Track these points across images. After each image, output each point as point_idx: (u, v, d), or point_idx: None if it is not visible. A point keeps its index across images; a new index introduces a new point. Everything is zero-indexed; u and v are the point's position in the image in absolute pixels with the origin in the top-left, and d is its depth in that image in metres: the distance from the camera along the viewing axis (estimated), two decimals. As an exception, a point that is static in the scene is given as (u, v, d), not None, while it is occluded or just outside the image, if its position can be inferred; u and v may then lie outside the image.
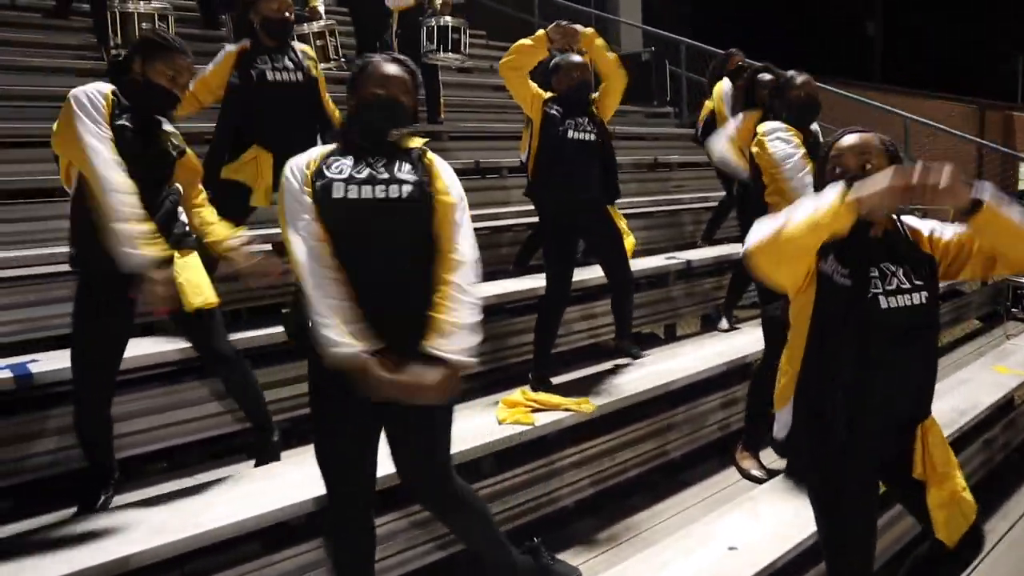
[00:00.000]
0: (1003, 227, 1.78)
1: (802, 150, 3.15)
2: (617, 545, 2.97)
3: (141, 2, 4.19)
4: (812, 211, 1.77)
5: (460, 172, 5.32)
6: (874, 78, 21.77)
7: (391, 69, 2.08)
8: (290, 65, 3.36)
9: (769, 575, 2.56)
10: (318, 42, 4.95)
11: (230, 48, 3.38)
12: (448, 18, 5.69)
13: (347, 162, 2.00)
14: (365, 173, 1.98)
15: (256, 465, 2.74)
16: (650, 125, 8.02)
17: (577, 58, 3.54)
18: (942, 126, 7.61)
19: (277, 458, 2.75)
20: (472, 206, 5.01)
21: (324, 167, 1.99)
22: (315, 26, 4.92)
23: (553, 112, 3.39)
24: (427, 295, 1.96)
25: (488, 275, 4.34)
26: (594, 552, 2.91)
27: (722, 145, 4.10)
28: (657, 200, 5.94)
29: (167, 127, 2.57)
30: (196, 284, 2.46)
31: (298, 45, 3.50)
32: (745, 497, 3.12)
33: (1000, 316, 6.13)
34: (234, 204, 3.18)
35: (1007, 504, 3.69)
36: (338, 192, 1.95)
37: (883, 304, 1.89)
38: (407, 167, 2.02)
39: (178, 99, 2.53)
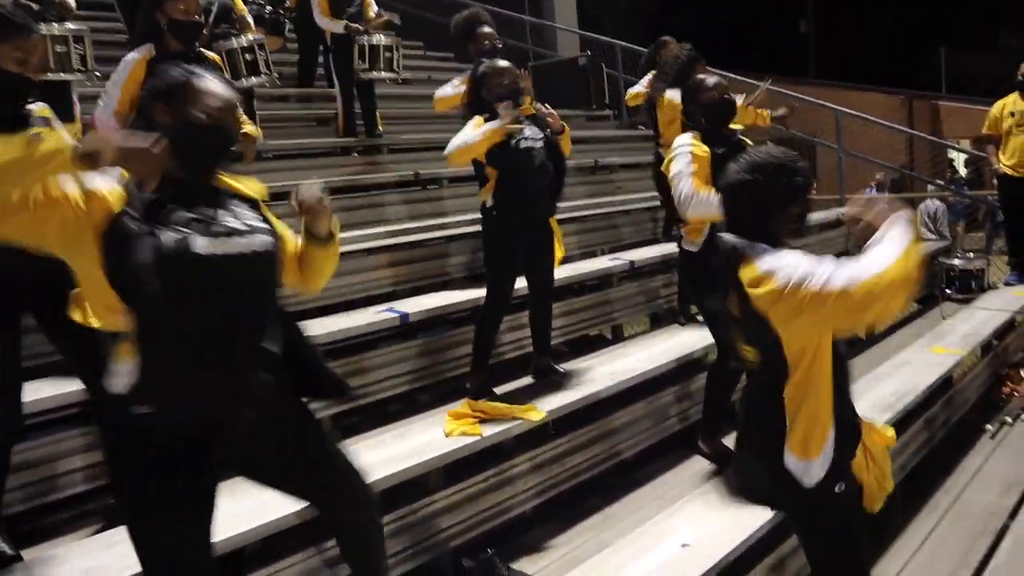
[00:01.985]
0: None
1: (692, 169, 3.11)
2: (572, 550, 2.95)
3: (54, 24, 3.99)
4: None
5: (400, 184, 5.36)
6: (809, 73, 22.37)
7: (221, 88, 1.79)
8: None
9: (722, 569, 2.57)
10: (247, 56, 4.83)
11: (135, 56, 3.21)
12: (381, 36, 5.64)
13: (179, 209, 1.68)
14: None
15: None
16: (590, 128, 8.07)
17: (503, 62, 3.52)
18: (873, 118, 7.82)
19: None
20: (413, 217, 5.05)
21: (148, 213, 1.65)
22: (243, 40, 4.81)
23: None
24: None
25: (433, 287, 4.33)
26: (549, 559, 2.89)
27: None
28: (599, 203, 5.97)
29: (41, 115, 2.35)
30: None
31: (208, 54, 3.40)
32: (697, 493, 3.13)
33: (936, 298, 6.30)
34: None
35: (949, 480, 3.78)
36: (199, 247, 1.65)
37: None
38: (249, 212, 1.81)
39: (34, 84, 2.28)
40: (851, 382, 2.14)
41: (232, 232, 1.73)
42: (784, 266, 1.93)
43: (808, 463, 2.11)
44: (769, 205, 2.06)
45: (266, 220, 1.87)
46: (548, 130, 3.51)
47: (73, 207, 1.60)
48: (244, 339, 1.77)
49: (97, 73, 4.23)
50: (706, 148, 3.15)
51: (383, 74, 5.60)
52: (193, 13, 3.24)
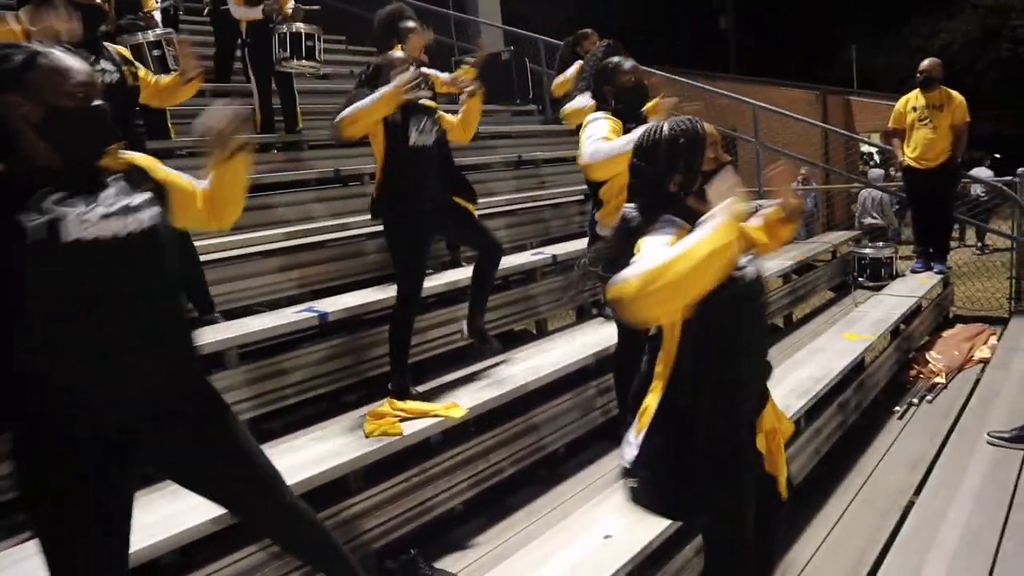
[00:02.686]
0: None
1: (605, 134, 3.11)
2: (497, 546, 2.93)
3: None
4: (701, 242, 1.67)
5: (320, 181, 5.23)
6: (730, 69, 22.96)
7: (76, 62, 1.62)
8: (108, 67, 3.10)
9: (643, 559, 2.61)
10: (155, 52, 4.63)
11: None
12: (300, 25, 5.50)
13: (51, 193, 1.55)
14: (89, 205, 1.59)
15: None
16: (515, 123, 8.08)
17: (399, 53, 3.48)
18: (789, 112, 8.07)
19: None
20: (334, 215, 4.94)
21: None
22: (150, 35, 4.61)
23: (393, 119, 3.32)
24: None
25: (351, 285, 4.25)
26: (475, 555, 2.87)
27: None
28: (524, 197, 5.97)
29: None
30: None
31: (112, 46, 3.24)
32: (620, 484, 3.16)
33: (849, 286, 6.56)
34: None
35: (861, 460, 3.93)
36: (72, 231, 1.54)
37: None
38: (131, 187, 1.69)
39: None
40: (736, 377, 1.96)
41: (109, 215, 1.61)
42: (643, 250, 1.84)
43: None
44: (659, 174, 1.98)
45: (153, 190, 1.75)
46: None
47: None
48: (136, 327, 1.66)
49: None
50: (619, 122, 3.17)
51: (304, 63, 5.47)
52: None
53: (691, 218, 1.89)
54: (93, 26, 3.13)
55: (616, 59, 3.37)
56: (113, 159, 1.73)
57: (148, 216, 1.68)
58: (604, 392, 3.86)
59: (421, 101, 3.41)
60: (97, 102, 1.64)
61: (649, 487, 2.00)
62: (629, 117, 3.23)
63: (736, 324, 1.94)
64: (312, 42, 5.55)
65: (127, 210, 1.64)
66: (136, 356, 1.66)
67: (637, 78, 3.29)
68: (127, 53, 3.28)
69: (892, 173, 8.93)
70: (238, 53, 6.58)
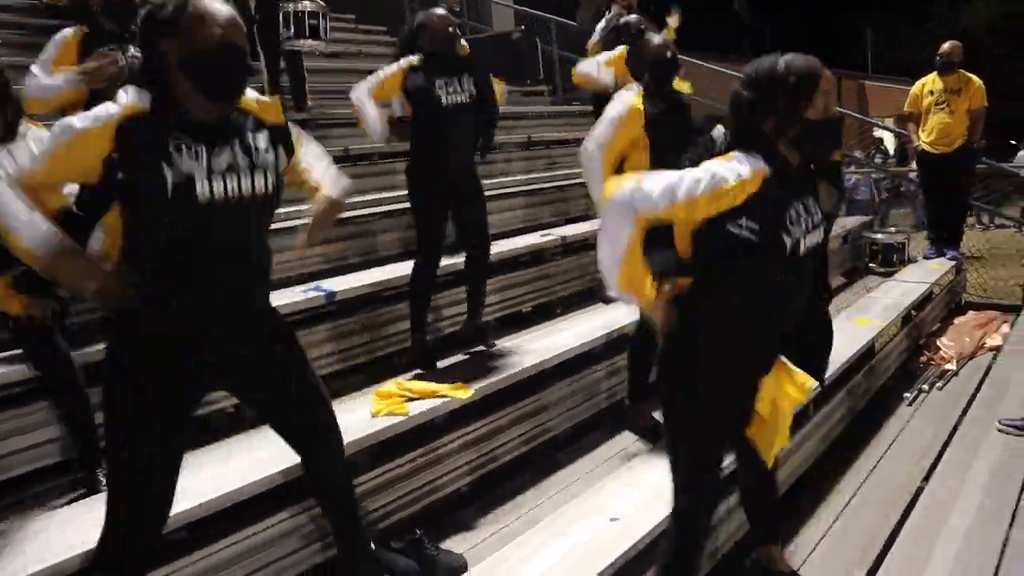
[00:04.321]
0: None
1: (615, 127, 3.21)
2: (503, 527, 2.93)
3: None
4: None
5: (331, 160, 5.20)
6: (744, 53, 22.73)
7: (225, 9, 1.75)
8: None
9: (650, 542, 2.60)
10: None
11: (66, 33, 3.07)
12: (307, 3, 5.45)
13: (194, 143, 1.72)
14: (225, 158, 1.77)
15: None
16: (525, 104, 8.01)
17: (439, 10, 3.50)
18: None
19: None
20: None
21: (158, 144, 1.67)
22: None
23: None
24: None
25: (364, 264, 4.23)
26: (480, 537, 2.87)
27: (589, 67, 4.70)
28: (534, 178, 5.93)
29: None
30: None
31: None
32: (626, 467, 3.16)
33: (860, 272, 6.51)
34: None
35: (870, 446, 3.90)
36: (202, 189, 1.71)
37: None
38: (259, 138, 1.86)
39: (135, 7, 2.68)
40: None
41: (232, 167, 1.77)
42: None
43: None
44: (757, 112, 1.95)
45: (276, 144, 1.90)
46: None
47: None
48: (237, 264, 1.87)
49: None
50: (641, 107, 3.21)
51: (308, 42, 5.43)
52: None
53: (776, 162, 1.90)
54: (127, 21, 3.15)
55: (650, 34, 3.38)
56: (248, 104, 1.88)
57: (263, 176, 1.84)
58: (612, 375, 3.84)
59: (452, 57, 3.45)
60: (237, 42, 1.75)
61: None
62: (658, 91, 3.26)
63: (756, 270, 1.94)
64: (317, 20, 5.49)
65: (250, 166, 1.81)
66: (237, 293, 1.90)
67: (668, 51, 3.30)
68: None
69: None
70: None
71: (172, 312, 1.80)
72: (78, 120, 1.68)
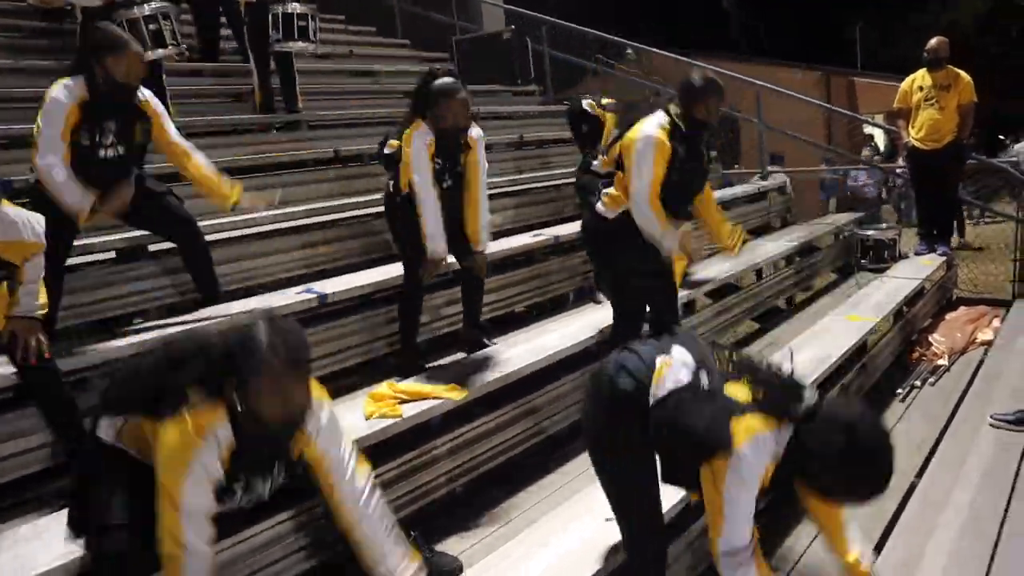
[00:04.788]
0: None
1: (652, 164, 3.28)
2: (498, 529, 2.93)
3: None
4: None
5: (320, 161, 5.20)
6: (734, 49, 22.77)
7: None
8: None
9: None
10: (151, 26, 4.57)
11: (62, 100, 3.02)
12: (296, 4, 5.44)
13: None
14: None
15: None
16: (515, 104, 8.01)
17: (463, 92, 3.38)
18: (793, 92, 7.98)
19: None
20: (335, 195, 4.91)
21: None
22: (146, 8, 4.53)
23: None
24: None
25: (359, 265, 4.22)
26: (475, 539, 2.86)
27: None
28: (525, 178, 5.93)
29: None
30: None
31: (146, 99, 3.26)
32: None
33: (852, 268, 6.53)
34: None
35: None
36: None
37: None
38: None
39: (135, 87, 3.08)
40: None
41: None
42: None
43: None
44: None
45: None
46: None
47: None
48: None
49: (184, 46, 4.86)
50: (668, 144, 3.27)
51: (297, 44, 5.42)
52: (134, 77, 3.11)
53: None
54: (131, 96, 3.21)
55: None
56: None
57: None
58: (606, 374, 3.83)
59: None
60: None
61: None
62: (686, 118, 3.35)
63: None
64: (306, 22, 5.49)
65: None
66: None
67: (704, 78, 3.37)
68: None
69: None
70: (224, 32, 6.50)
71: None
72: None
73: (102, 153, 3.11)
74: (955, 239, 7.60)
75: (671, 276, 3.55)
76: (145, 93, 3.28)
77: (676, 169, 3.30)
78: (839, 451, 1.85)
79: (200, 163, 3.42)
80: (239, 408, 1.87)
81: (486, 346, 3.74)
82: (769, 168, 7.39)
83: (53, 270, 2.96)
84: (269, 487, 2.11)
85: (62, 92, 2.99)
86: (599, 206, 3.52)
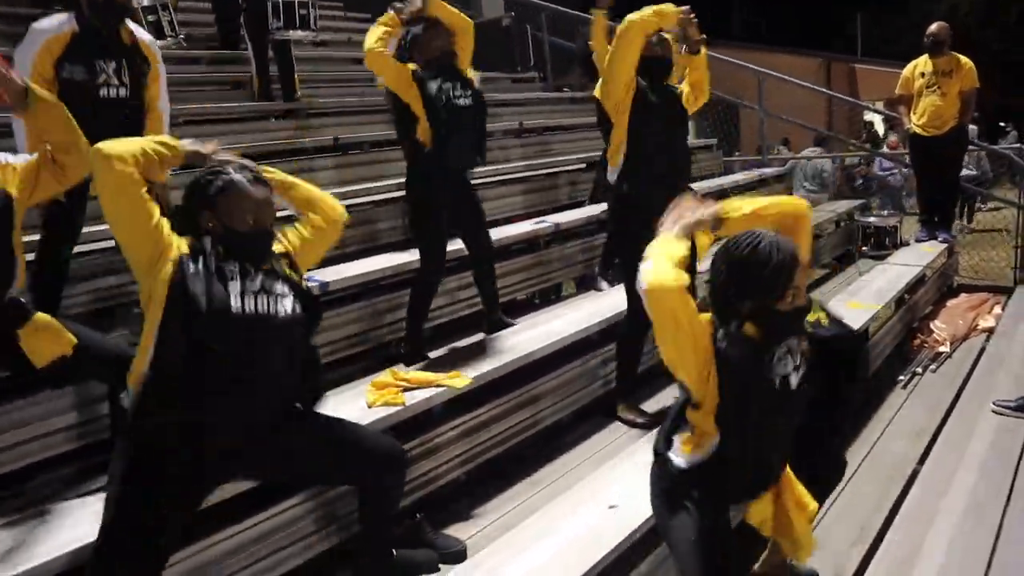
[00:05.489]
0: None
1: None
2: (502, 516, 2.93)
3: None
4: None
5: (320, 149, 5.18)
6: (732, 35, 22.66)
7: (260, 192, 2.07)
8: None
9: (649, 529, 2.59)
10: (149, 17, 4.56)
11: (50, 30, 2.84)
12: None
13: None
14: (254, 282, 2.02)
15: None
16: (516, 91, 7.97)
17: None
18: (794, 79, 7.95)
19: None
20: (336, 183, 4.89)
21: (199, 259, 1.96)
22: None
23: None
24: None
25: (359, 253, 4.21)
26: (479, 525, 2.86)
27: None
28: (525, 165, 5.90)
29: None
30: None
31: (141, 37, 3.10)
32: (625, 453, 3.16)
33: (852, 255, 6.52)
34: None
35: (865, 430, 3.92)
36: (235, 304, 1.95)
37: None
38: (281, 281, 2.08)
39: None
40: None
41: (264, 291, 2.01)
42: None
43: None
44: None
45: (290, 277, 2.13)
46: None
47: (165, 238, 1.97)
48: (262, 382, 2.02)
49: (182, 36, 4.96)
50: None
51: (297, 32, 5.39)
52: None
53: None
54: (116, 23, 3.02)
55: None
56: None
57: (289, 304, 2.06)
58: (609, 362, 3.83)
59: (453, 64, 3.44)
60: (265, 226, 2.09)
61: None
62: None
63: (744, 403, 2.02)
64: (306, 10, 5.47)
65: (279, 294, 2.05)
66: (255, 412, 2.05)
67: (663, 51, 3.37)
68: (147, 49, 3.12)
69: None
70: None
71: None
72: None
73: (103, 92, 2.91)
74: (960, 223, 7.57)
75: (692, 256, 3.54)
76: (144, 36, 3.15)
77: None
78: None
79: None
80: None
81: (509, 326, 3.78)
82: (771, 156, 7.37)
83: (54, 257, 2.95)
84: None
85: (44, 22, 2.84)
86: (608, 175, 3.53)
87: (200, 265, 1.95)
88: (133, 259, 2.00)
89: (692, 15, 3.34)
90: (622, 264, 3.56)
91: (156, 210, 1.98)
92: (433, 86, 3.29)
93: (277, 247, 2.21)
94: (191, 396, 1.93)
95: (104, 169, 1.92)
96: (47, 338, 2.26)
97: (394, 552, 2.45)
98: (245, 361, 1.98)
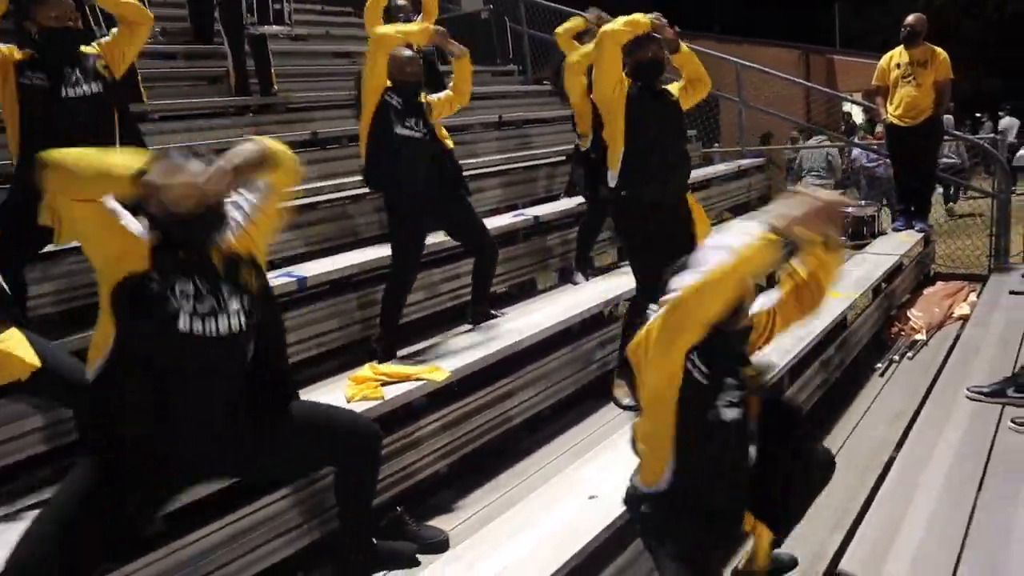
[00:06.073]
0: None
1: None
2: (482, 508, 2.93)
3: None
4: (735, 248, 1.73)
5: (297, 144, 5.15)
6: (713, 28, 22.74)
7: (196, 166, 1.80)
8: (84, 80, 2.96)
9: (628, 519, 2.60)
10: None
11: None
12: None
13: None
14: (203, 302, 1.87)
15: None
16: (496, 84, 7.95)
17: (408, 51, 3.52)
18: (772, 71, 7.99)
19: None
20: (315, 178, 4.86)
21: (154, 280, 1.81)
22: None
23: None
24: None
25: (339, 247, 4.19)
26: (459, 518, 2.87)
27: None
28: (505, 158, 5.90)
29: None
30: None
31: (90, 49, 3.06)
32: (605, 444, 3.17)
33: (831, 244, 6.56)
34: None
35: (844, 417, 3.96)
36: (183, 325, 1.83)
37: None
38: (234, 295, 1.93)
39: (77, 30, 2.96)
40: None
41: (212, 312, 1.87)
42: None
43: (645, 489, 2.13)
44: None
45: (243, 286, 1.96)
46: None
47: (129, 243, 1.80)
48: (209, 403, 1.94)
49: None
50: None
51: (272, 27, 5.35)
52: (66, 19, 2.92)
53: None
54: (68, 49, 2.99)
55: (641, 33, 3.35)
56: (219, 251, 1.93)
57: (237, 322, 1.91)
58: (588, 353, 3.85)
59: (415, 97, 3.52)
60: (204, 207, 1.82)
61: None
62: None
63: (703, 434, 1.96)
64: (280, 5, 5.42)
65: (221, 309, 1.88)
66: (211, 424, 1.97)
67: (655, 54, 3.38)
68: (98, 48, 3.09)
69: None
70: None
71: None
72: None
73: (65, 92, 2.91)
74: (946, 207, 7.62)
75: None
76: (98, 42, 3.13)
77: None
78: None
79: None
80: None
81: (494, 317, 3.83)
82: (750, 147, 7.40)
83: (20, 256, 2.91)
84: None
85: None
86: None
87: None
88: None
89: (663, 20, 3.36)
90: (638, 270, 3.57)
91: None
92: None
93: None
94: (140, 409, 1.89)
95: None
96: (8, 360, 2.23)
97: (375, 542, 2.45)
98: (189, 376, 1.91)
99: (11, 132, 2.93)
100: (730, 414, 1.95)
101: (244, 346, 1.99)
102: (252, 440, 2.08)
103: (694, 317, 1.78)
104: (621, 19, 3.29)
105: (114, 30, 3.18)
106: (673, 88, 3.59)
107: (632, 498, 2.17)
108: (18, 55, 2.89)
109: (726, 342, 1.95)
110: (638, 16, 3.28)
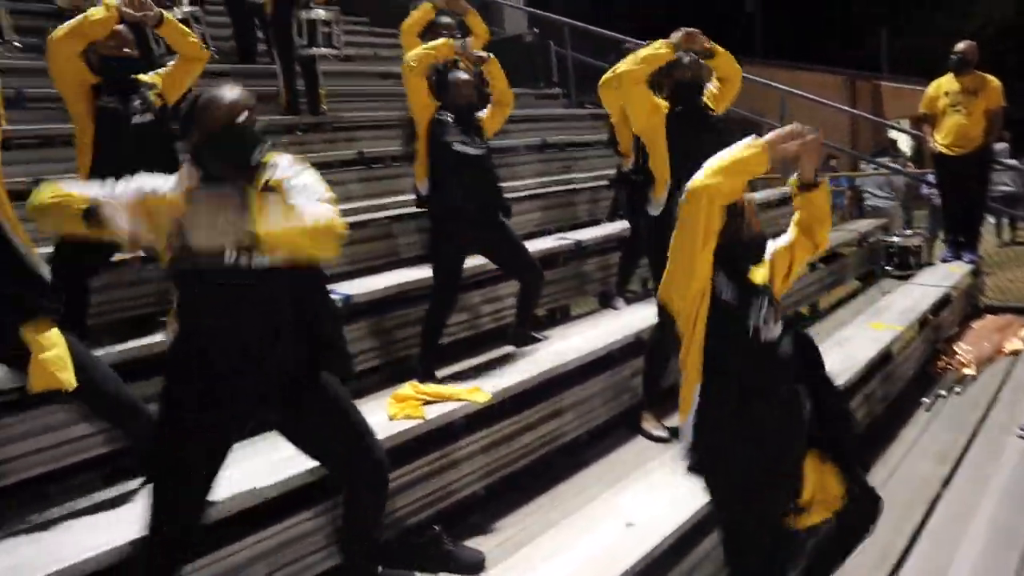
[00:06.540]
0: (823, 203, 2.26)
1: None
2: (519, 531, 2.92)
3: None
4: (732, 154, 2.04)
5: (345, 163, 5.24)
6: (756, 53, 22.62)
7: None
8: (140, 108, 3.09)
9: (666, 548, 2.60)
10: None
11: None
12: (320, 11, 5.51)
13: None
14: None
15: None
16: (539, 107, 8.02)
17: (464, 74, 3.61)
18: (817, 98, 7.92)
19: None
20: (360, 197, 4.94)
21: None
22: (177, 12, 4.61)
23: None
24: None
25: (383, 267, 4.25)
26: (496, 540, 2.87)
27: None
28: (548, 181, 5.94)
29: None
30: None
31: (144, 78, 3.19)
32: (642, 472, 3.16)
33: (876, 275, 6.46)
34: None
35: (887, 452, 3.88)
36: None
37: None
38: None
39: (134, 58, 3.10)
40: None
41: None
42: None
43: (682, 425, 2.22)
44: None
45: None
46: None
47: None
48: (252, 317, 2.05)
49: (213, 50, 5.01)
50: None
51: (321, 50, 5.48)
52: (123, 47, 3.06)
53: None
54: (127, 76, 3.14)
55: (679, 53, 3.33)
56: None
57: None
58: (628, 379, 3.84)
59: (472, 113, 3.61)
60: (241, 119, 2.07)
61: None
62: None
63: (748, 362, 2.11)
64: (329, 28, 5.56)
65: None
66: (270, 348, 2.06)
67: (694, 73, 3.41)
68: (155, 77, 3.23)
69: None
70: (260, 35, 6.61)
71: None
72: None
73: (132, 118, 3.06)
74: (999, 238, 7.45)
75: None
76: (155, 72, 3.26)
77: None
78: None
79: None
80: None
81: (536, 340, 3.85)
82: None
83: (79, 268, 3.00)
84: None
85: None
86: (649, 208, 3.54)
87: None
88: None
89: (691, 34, 3.29)
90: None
91: None
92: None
93: None
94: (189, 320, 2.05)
95: None
96: (49, 367, 2.26)
97: (380, 570, 2.45)
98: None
99: (82, 152, 3.05)
100: (768, 333, 2.11)
101: (279, 280, 2.08)
102: (292, 373, 2.12)
103: (706, 199, 2.02)
104: (640, 54, 3.22)
105: (172, 62, 3.31)
106: (707, 97, 3.54)
107: (688, 452, 2.21)
108: (92, 79, 3.02)
109: (745, 253, 2.18)
110: (656, 48, 3.21)
